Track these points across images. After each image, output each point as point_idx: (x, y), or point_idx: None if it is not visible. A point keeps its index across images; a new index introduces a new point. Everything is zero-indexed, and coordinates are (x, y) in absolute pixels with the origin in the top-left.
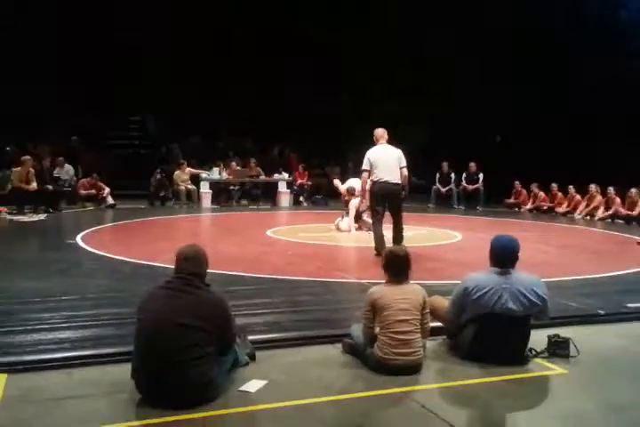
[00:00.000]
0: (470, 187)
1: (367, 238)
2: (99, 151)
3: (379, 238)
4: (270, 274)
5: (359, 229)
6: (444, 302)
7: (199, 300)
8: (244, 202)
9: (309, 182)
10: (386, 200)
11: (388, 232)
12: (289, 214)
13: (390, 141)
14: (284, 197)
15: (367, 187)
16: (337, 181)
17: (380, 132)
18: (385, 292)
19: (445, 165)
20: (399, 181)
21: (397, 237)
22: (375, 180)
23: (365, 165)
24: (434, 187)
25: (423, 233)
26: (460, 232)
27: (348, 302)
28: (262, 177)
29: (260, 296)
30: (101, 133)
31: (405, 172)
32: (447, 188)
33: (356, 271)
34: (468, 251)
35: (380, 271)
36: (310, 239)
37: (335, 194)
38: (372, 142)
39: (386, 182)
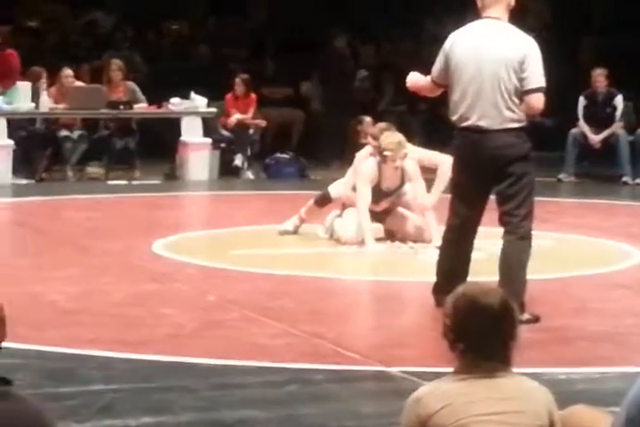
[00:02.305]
0: None
1: (405, 263)
2: None
3: (448, 266)
4: (164, 353)
5: (388, 238)
6: (598, 422)
7: None
8: (94, 170)
9: (260, 121)
10: (481, 177)
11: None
12: (209, 201)
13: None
14: (198, 157)
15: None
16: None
17: None
18: (452, 398)
19: (601, 78)
20: (514, 124)
21: (510, 261)
22: (456, 120)
23: (435, 72)
24: (572, 131)
25: (549, 245)
26: None
27: (360, 424)
28: (140, 106)
29: (143, 409)
30: None
31: (536, 101)
32: (607, 133)
33: (379, 347)
34: None
35: (439, 347)
36: (263, 265)
37: (327, 151)
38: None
39: (480, 131)
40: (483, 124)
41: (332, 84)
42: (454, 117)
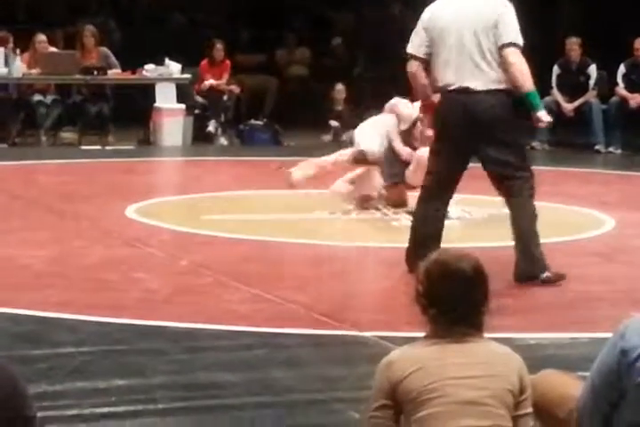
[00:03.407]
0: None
1: (379, 229)
2: None
3: (421, 229)
4: (137, 317)
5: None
6: (568, 387)
7: None
8: (67, 135)
9: (233, 87)
10: (465, 138)
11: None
12: (182, 167)
13: None
14: (172, 123)
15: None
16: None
17: None
18: (424, 362)
19: (575, 47)
20: (498, 86)
21: (524, 223)
22: (442, 86)
23: (414, 48)
24: (545, 99)
25: None
26: (612, 212)
27: (331, 388)
28: (114, 72)
29: (114, 372)
30: None
31: (511, 55)
32: (580, 101)
33: (352, 312)
34: (633, 258)
35: (412, 312)
36: (236, 230)
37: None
38: None
39: (466, 92)
40: (468, 85)
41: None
42: (440, 84)
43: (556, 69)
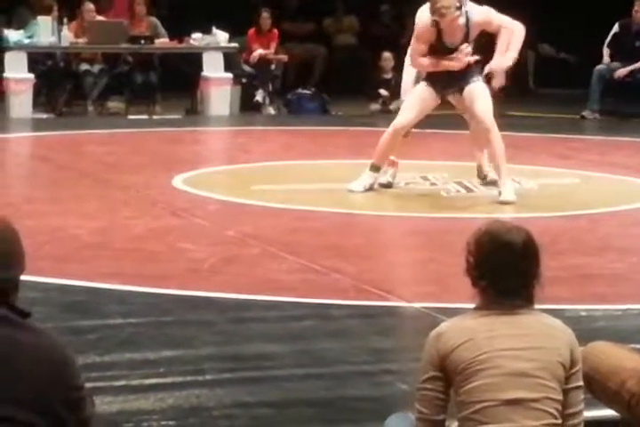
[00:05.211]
0: None
1: (427, 199)
2: None
3: None
4: (184, 288)
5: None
6: (619, 358)
7: (10, 351)
8: (114, 104)
9: (282, 56)
10: None
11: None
12: (230, 137)
13: None
14: (219, 92)
15: None
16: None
17: None
18: (474, 333)
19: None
20: None
21: None
22: None
23: None
24: (597, 68)
25: (573, 182)
26: None
27: (379, 360)
28: (162, 41)
29: (162, 343)
30: None
31: None
32: (633, 66)
33: (401, 283)
34: None
35: (461, 283)
36: (284, 200)
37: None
38: None
39: None
40: None
41: None
42: None
43: (615, 28)
